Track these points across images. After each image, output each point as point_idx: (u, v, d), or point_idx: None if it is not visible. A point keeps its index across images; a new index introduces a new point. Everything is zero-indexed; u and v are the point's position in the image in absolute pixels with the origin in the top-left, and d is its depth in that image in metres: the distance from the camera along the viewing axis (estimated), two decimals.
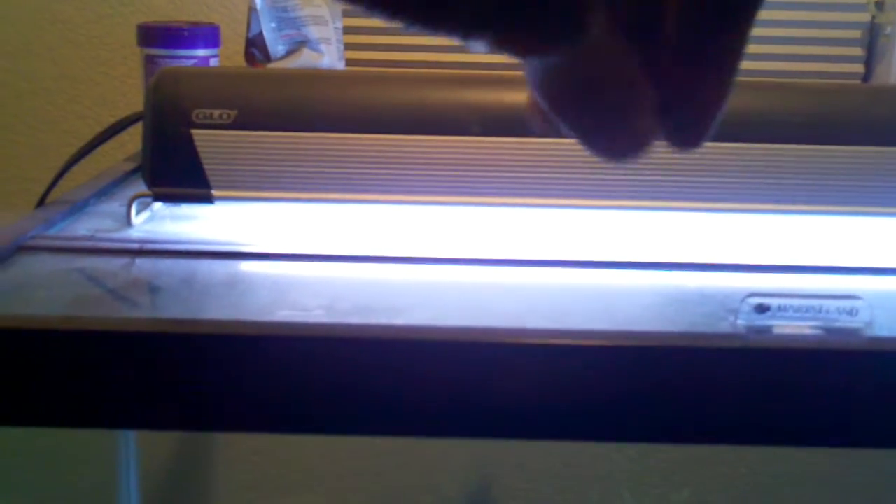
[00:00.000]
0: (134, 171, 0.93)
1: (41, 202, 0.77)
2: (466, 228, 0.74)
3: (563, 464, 1.27)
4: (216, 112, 0.71)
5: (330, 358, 0.51)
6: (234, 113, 0.71)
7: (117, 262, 0.66)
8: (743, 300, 0.55)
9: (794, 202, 0.71)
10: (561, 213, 0.72)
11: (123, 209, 0.76)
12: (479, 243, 0.70)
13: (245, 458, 1.24)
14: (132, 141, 1.17)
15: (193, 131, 0.71)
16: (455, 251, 0.67)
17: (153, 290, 0.62)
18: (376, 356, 0.51)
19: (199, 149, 0.71)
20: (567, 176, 0.70)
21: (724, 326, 0.55)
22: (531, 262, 0.65)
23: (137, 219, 0.74)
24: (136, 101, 1.14)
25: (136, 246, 0.68)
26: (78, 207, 0.78)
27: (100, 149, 0.89)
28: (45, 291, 0.60)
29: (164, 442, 1.25)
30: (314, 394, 0.52)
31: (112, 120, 0.88)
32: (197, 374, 0.51)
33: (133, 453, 1.11)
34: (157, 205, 0.78)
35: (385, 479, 1.26)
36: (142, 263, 0.66)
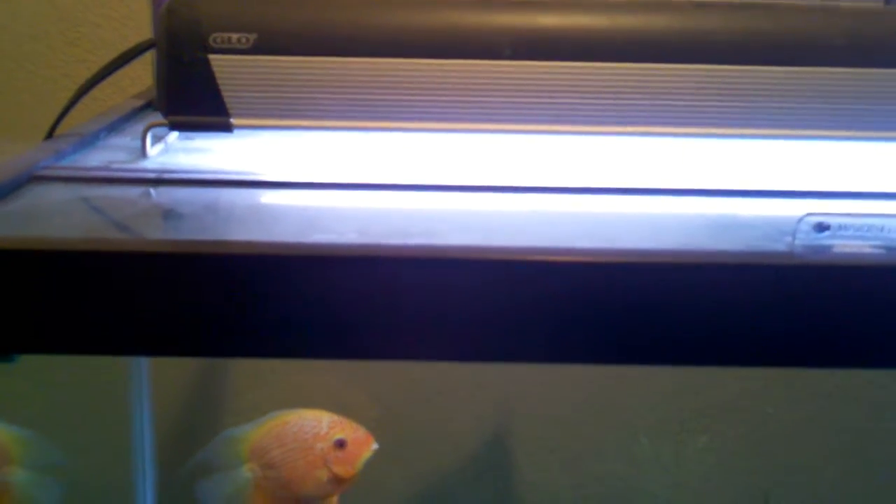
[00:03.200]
0: (144, 107, 0.90)
1: (49, 135, 0.74)
2: (498, 155, 0.71)
3: (580, 411, 1.25)
4: (234, 36, 0.68)
5: (364, 280, 0.49)
6: (252, 37, 0.68)
7: (134, 191, 0.63)
8: (801, 219, 0.52)
9: (842, 127, 0.68)
10: (598, 140, 0.69)
11: (136, 143, 0.73)
12: (513, 170, 0.67)
13: (261, 379, 1.22)
14: (133, 86, 1.14)
15: (210, 56, 0.68)
16: (488, 178, 0.64)
17: (174, 216, 0.59)
18: (412, 277, 0.49)
19: (216, 75, 0.68)
20: (605, 102, 0.67)
21: (780, 247, 0.52)
22: (572, 189, 0.62)
23: (152, 150, 0.71)
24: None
25: (153, 175, 0.66)
26: (88, 141, 0.75)
27: (102, 94, 0.85)
28: (60, 219, 0.57)
29: (177, 366, 1.22)
30: (347, 317, 0.49)
31: None
32: (227, 298, 0.49)
33: (146, 379, 1.09)
34: (172, 137, 0.75)
35: (400, 429, 1.24)
36: (160, 192, 0.63)
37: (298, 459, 0.99)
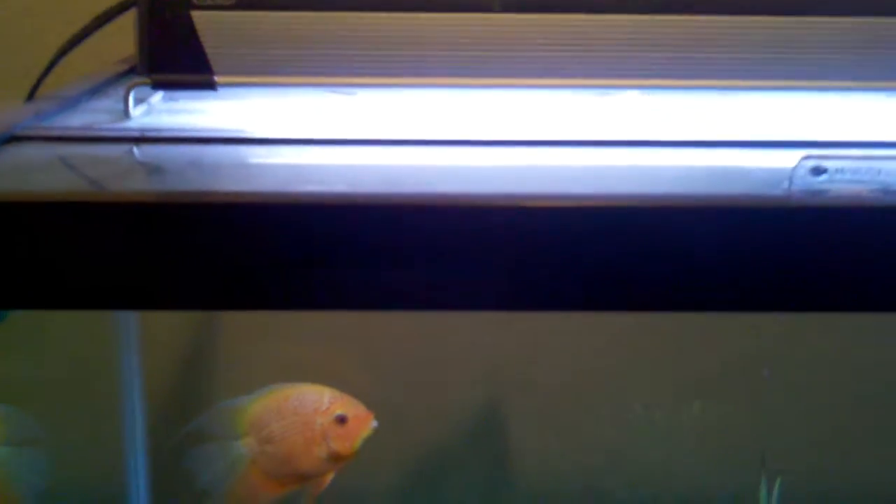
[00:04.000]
0: (128, 72, 0.88)
1: (30, 96, 0.73)
2: (490, 110, 0.70)
3: (573, 379, 1.24)
4: None
5: (354, 228, 0.48)
6: None
7: (117, 149, 0.62)
8: (798, 162, 0.51)
9: (841, 78, 0.67)
10: (592, 94, 0.68)
11: (118, 105, 0.72)
12: (505, 124, 0.66)
13: (255, 351, 1.21)
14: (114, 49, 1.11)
15: (193, 13, 0.67)
16: (480, 133, 0.63)
17: (158, 172, 0.58)
18: (402, 225, 0.48)
19: (199, 32, 0.67)
20: (598, 55, 0.66)
21: (778, 191, 0.51)
22: (568, 142, 0.61)
23: (135, 111, 0.70)
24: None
25: (136, 133, 0.64)
26: (70, 103, 0.73)
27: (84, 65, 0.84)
28: (42, 175, 0.56)
29: (168, 334, 1.21)
30: (341, 266, 0.48)
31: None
32: (214, 248, 0.48)
33: (135, 348, 1.07)
34: (156, 98, 0.74)
35: (390, 399, 1.24)
36: (144, 150, 0.62)
37: (297, 434, 0.98)
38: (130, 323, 1.09)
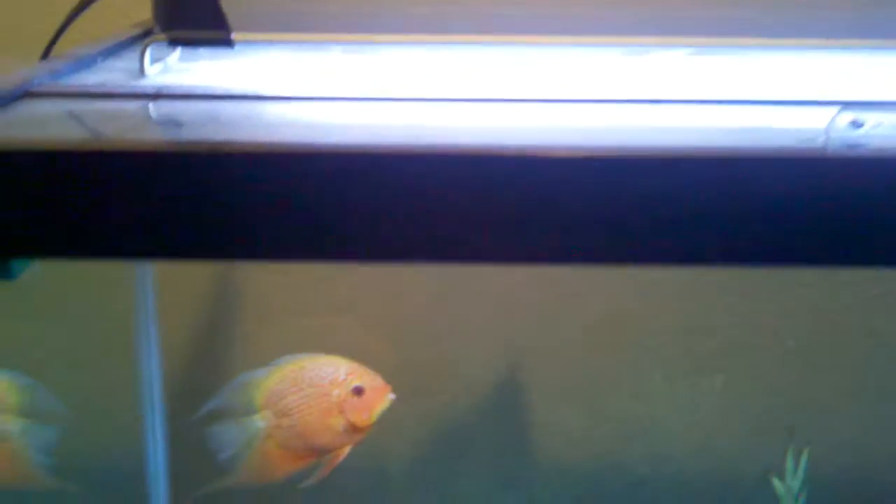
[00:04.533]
0: (143, 35, 0.87)
1: (45, 56, 0.72)
2: (514, 67, 0.68)
3: (594, 347, 1.23)
4: None
5: (372, 179, 0.46)
6: None
7: (133, 105, 0.61)
8: (835, 115, 0.50)
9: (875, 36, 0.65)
10: (624, 53, 0.66)
11: (134, 65, 0.70)
12: (523, 82, 0.64)
13: (272, 322, 1.20)
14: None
15: None
16: (497, 91, 0.62)
17: (174, 125, 0.57)
18: (425, 176, 0.46)
19: None
20: (630, 12, 0.64)
21: (814, 144, 0.50)
22: (598, 100, 0.60)
23: (151, 69, 0.69)
24: None
25: (152, 90, 0.63)
26: (86, 62, 0.72)
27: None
28: (56, 128, 0.55)
29: (186, 303, 1.20)
30: (349, 217, 0.47)
31: None
32: (229, 198, 0.46)
33: (153, 319, 1.07)
34: (173, 58, 0.73)
35: (408, 368, 1.23)
36: (159, 105, 0.61)
37: (314, 406, 0.97)
38: (147, 290, 1.08)
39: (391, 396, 0.98)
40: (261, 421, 0.98)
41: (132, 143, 0.47)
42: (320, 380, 0.98)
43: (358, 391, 0.97)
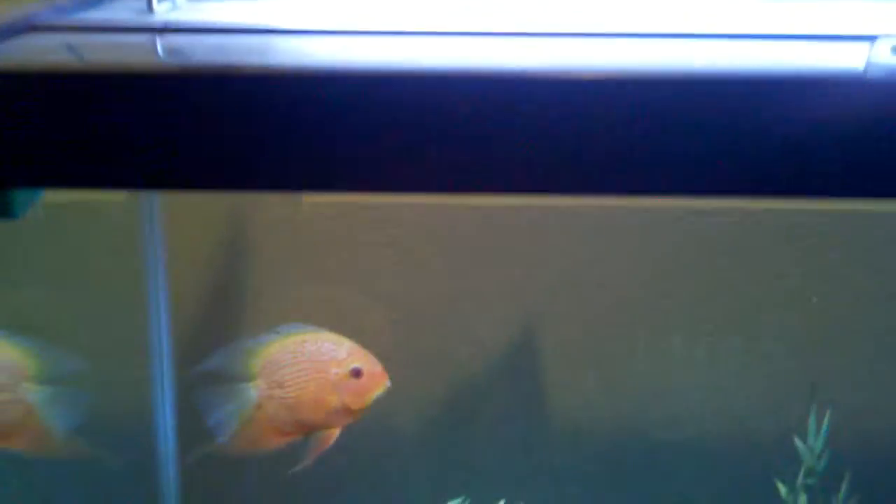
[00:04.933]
0: None
1: None
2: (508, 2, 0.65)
3: (611, 310, 1.21)
4: None
5: (377, 104, 0.44)
6: None
7: (139, 38, 0.59)
8: (876, 40, 0.47)
9: None
10: None
11: (142, 4, 0.68)
12: (524, 18, 0.62)
13: (282, 288, 1.19)
14: None
15: None
16: (500, 26, 0.59)
17: (181, 55, 0.55)
18: (430, 100, 0.44)
19: None
20: None
21: (855, 69, 0.47)
22: (631, 34, 0.57)
23: (159, 7, 0.67)
24: None
25: (159, 25, 0.61)
26: (91, 2, 0.70)
27: None
28: (59, 57, 0.53)
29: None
30: (361, 144, 0.44)
31: None
32: (236, 125, 0.44)
33: (163, 277, 1.06)
34: None
35: (424, 332, 1.21)
36: (167, 39, 0.59)
37: (310, 381, 0.95)
38: (158, 252, 1.06)
39: (387, 384, 0.97)
40: (253, 389, 0.96)
41: (135, 65, 0.45)
42: (320, 356, 0.96)
43: (356, 373, 0.95)
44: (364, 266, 1.19)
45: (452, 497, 1.09)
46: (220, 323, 1.23)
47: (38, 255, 1.19)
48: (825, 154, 0.45)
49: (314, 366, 0.95)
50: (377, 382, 0.96)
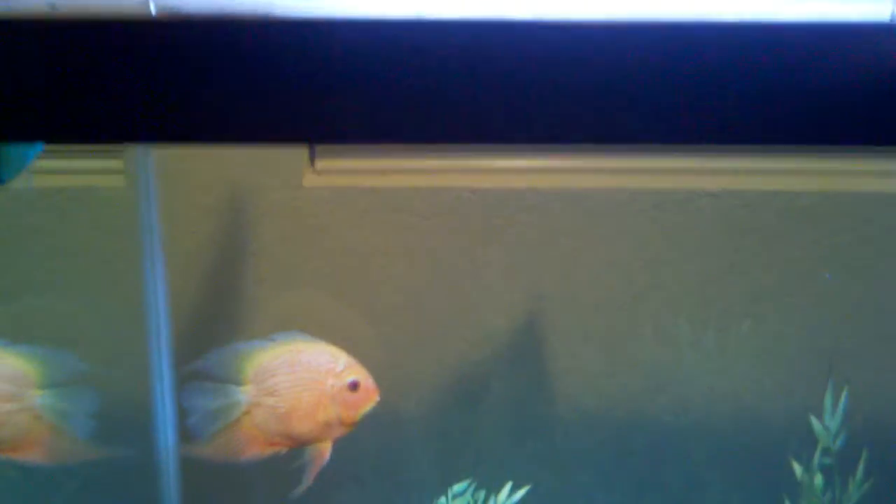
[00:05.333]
0: None
1: None
2: None
3: (618, 292, 1.19)
4: None
5: (380, 53, 0.42)
6: None
7: None
8: None
9: None
10: None
11: None
12: None
13: (284, 292, 1.16)
14: None
15: None
16: None
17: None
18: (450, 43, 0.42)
19: None
20: None
21: (882, 18, 0.45)
22: None
23: None
24: None
25: None
26: None
27: None
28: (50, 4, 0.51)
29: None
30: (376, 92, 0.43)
31: None
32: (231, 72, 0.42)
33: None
34: None
35: (427, 315, 1.19)
36: None
37: (305, 392, 0.92)
38: (155, 238, 1.04)
39: (377, 399, 0.95)
40: (242, 394, 0.93)
41: (128, 12, 0.43)
42: (317, 366, 0.93)
43: (353, 386, 0.93)
44: (366, 250, 1.17)
45: (459, 481, 1.08)
46: (219, 310, 1.21)
47: (34, 243, 1.17)
48: (852, 102, 0.43)
49: (310, 376, 0.93)
50: (370, 397, 0.95)
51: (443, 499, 1.05)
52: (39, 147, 0.65)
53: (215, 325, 1.20)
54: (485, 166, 1.19)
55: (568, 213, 1.17)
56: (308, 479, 0.94)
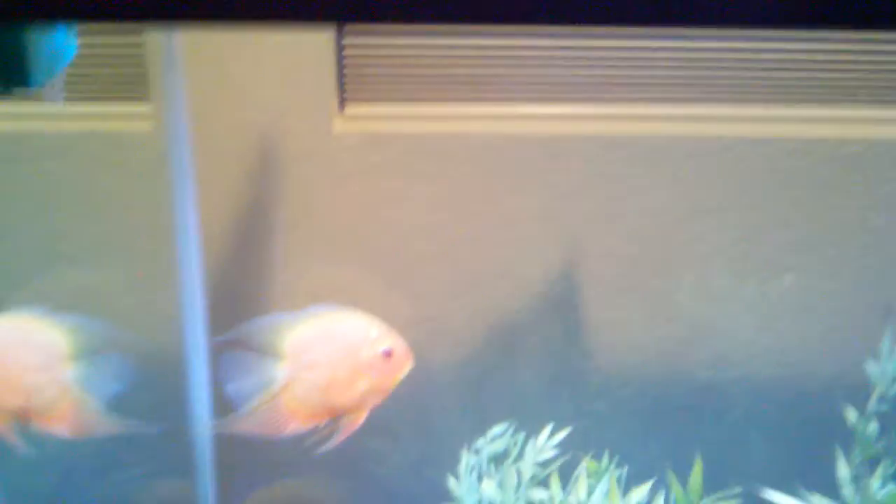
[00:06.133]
0: None
1: None
2: None
3: (656, 242, 1.15)
4: None
5: None
6: None
7: None
8: None
9: None
10: None
11: None
12: None
13: (316, 263, 1.14)
14: None
15: None
16: None
17: None
18: None
19: None
20: None
21: None
22: None
23: None
24: None
25: None
26: None
27: None
28: None
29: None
30: None
31: None
32: None
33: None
34: None
35: (460, 265, 1.17)
36: None
37: (341, 364, 0.92)
38: (186, 185, 1.02)
39: (411, 364, 0.94)
40: (281, 369, 0.93)
41: None
42: (352, 337, 0.93)
43: (388, 354, 0.92)
44: (396, 197, 1.15)
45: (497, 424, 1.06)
46: (252, 259, 1.19)
47: (60, 191, 1.16)
48: None
49: (346, 347, 0.93)
50: (404, 363, 0.94)
51: (481, 440, 1.03)
52: (70, 53, 0.63)
53: (248, 276, 1.18)
54: (520, 112, 1.15)
55: (605, 160, 1.14)
56: (336, 442, 0.93)
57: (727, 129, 1.14)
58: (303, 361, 0.92)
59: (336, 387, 0.92)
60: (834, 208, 1.15)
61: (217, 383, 0.94)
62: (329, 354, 0.92)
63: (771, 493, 0.85)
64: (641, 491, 0.97)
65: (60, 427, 0.93)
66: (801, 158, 1.13)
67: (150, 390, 1.17)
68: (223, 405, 0.94)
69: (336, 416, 0.93)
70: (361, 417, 0.93)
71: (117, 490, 1.25)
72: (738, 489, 0.92)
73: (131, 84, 1.14)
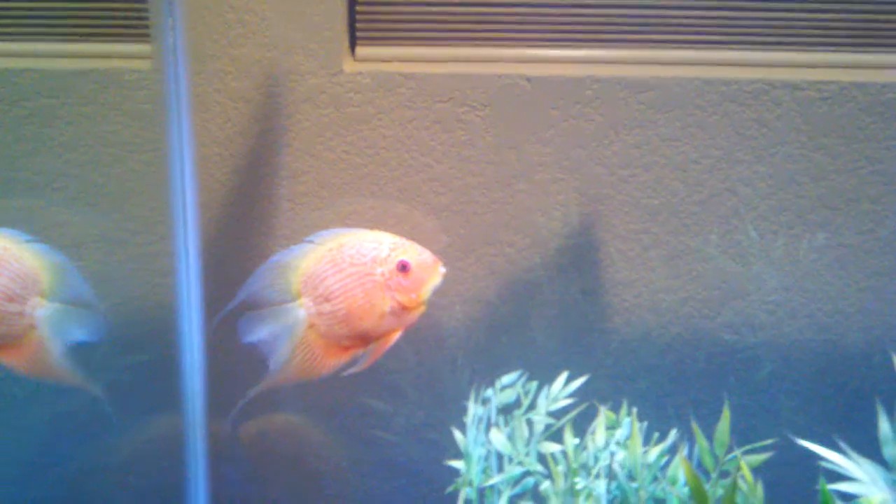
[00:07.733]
0: None
1: None
2: None
3: (678, 199, 1.08)
4: None
5: None
6: None
7: None
8: None
9: None
10: None
11: None
12: None
13: (313, 199, 1.08)
14: None
15: None
16: None
17: None
18: None
19: None
20: None
21: None
22: None
23: None
24: None
25: None
26: None
27: None
28: None
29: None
30: None
31: None
32: None
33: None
34: None
35: (474, 217, 1.10)
36: None
37: (357, 287, 0.86)
38: (183, 124, 0.97)
39: (442, 271, 0.88)
40: (299, 308, 0.87)
41: None
42: (362, 257, 0.87)
43: (403, 267, 0.86)
44: (409, 143, 1.09)
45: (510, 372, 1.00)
46: (254, 206, 1.13)
47: (56, 128, 1.11)
48: None
49: (358, 269, 0.87)
50: (429, 273, 0.88)
51: (490, 390, 0.97)
52: None
53: (248, 225, 1.12)
54: (541, 55, 1.09)
55: (630, 104, 1.07)
56: (368, 361, 0.89)
57: (761, 73, 1.07)
58: (318, 295, 0.87)
59: (357, 313, 0.87)
60: (873, 160, 1.08)
61: (249, 347, 0.88)
62: (342, 282, 0.87)
63: (808, 444, 0.78)
64: (664, 442, 0.90)
65: (17, 362, 0.89)
66: (839, 105, 1.07)
67: (138, 348, 1.12)
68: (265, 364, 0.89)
69: (372, 341, 0.88)
70: (392, 339, 0.88)
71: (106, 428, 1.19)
72: (769, 441, 0.86)
73: (130, 22, 1.09)
